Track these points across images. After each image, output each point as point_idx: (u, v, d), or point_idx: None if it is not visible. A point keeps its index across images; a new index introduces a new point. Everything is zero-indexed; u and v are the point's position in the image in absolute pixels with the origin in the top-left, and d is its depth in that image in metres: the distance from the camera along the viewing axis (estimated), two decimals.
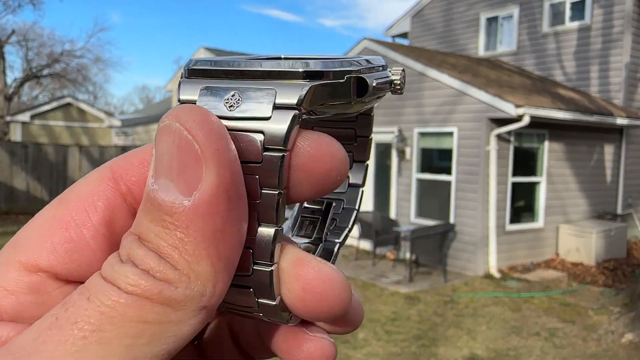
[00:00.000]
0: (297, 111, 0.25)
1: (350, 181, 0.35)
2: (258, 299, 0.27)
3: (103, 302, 0.23)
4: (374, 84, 0.28)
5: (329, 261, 0.32)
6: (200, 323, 0.24)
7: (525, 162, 9.26)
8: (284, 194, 0.25)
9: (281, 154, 0.25)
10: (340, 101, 0.27)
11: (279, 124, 0.24)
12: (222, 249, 0.24)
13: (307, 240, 0.33)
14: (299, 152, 0.26)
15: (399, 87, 0.31)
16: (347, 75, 0.27)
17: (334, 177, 0.28)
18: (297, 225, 0.35)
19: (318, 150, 0.26)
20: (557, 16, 12.09)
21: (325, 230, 0.34)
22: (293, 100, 0.25)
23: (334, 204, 0.37)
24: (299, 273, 0.27)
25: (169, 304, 0.23)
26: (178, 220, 0.23)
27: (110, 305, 0.23)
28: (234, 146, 0.24)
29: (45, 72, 23.07)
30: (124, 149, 15.54)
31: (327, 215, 0.34)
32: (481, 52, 13.37)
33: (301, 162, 0.26)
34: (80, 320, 0.22)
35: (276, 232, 0.26)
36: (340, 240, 0.34)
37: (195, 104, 0.26)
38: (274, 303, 0.27)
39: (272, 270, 0.27)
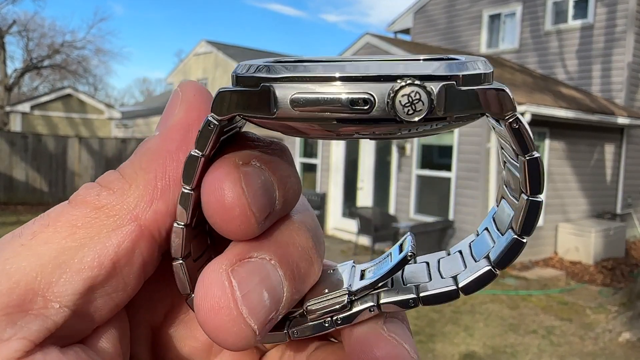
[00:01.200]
0: (208, 117, 0.24)
1: (513, 224, 0.26)
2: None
3: (49, 215, 0.25)
4: (291, 97, 0.21)
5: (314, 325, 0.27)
6: (131, 237, 0.25)
7: None
8: (189, 193, 0.25)
9: (190, 153, 0.24)
10: (261, 114, 0.22)
11: None
12: (169, 169, 0.26)
13: (348, 290, 0.27)
14: (203, 181, 0.25)
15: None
16: (263, 84, 0.22)
17: (215, 220, 0.24)
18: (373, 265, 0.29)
19: (205, 186, 0.25)
20: (560, 14, 12.05)
21: (370, 285, 0.27)
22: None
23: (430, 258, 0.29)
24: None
25: (102, 208, 0.25)
26: (144, 145, 0.27)
27: (52, 215, 0.25)
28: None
29: (45, 63, 23.02)
30: (124, 141, 15.53)
31: (397, 269, 0.27)
32: (483, 49, 13.33)
33: (201, 192, 0.25)
34: (26, 232, 0.24)
35: (176, 229, 0.26)
36: (363, 307, 0.26)
37: None
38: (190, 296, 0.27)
39: (175, 264, 0.26)
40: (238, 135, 0.27)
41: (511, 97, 0.23)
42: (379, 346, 0.26)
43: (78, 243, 0.24)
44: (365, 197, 10.93)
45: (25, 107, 19.11)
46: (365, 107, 0.21)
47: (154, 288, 0.29)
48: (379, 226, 9.22)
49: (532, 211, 0.25)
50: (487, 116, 0.23)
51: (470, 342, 5.77)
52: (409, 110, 0.21)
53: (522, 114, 7.98)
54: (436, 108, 0.21)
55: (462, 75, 0.22)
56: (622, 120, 9.80)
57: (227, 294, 0.23)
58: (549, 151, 9.37)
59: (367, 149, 10.92)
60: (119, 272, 0.25)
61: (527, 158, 0.23)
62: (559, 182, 9.65)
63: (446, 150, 9.30)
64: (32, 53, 23.08)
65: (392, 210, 10.14)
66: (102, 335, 0.26)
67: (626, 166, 10.92)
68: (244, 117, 0.23)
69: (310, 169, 12.36)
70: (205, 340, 0.30)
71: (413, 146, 9.74)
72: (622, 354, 5.60)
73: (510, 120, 0.23)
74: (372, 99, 0.21)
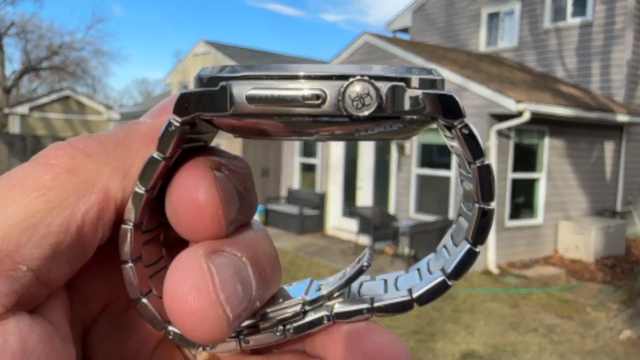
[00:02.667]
0: (170, 119, 0.24)
1: (467, 235, 0.26)
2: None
3: (15, 175, 0.24)
4: (247, 94, 0.22)
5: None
6: (99, 207, 0.24)
7: (526, 158, 9.24)
8: (141, 194, 0.25)
9: (152, 155, 0.25)
10: (219, 112, 0.23)
11: None
12: (147, 150, 0.25)
13: (302, 299, 0.27)
14: (173, 180, 0.25)
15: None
16: (222, 83, 0.23)
17: (184, 218, 0.24)
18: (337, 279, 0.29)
19: (179, 183, 0.25)
20: (559, 12, 12.04)
21: (326, 295, 0.27)
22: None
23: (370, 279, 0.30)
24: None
25: (74, 171, 0.24)
26: (133, 126, 0.27)
27: (18, 176, 0.23)
28: None
29: (44, 64, 22.98)
30: None
31: (353, 279, 0.28)
32: (482, 47, 13.32)
33: (170, 188, 0.25)
34: None
35: (124, 230, 0.26)
36: (316, 316, 0.27)
37: None
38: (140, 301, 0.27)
39: (125, 267, 0.26)
40: (204, 149, 0.27)
41: (459, 103, 0.23)
42: (377, 333, 0.26)
43: (47, 206, 0.23)
44: (364, 197, 10.92)
45: (24, 108, 19.09)
46: (317, 102, 0.22)
47: (94, 274, 0.28)
48: (378, 226, 9.21)
49: (484, 219, 0.25)
50: (438, 122, 0.24)
51: (471, 340, 5.76)
52: (357, 104, 0.22)
53: (522, 112, 7.98)
54: (385, 106, 0.22)
55: (411, 77, 0.23)
56: (621, 118, 9.79)
57: (206, 277, 0.23)
58: (548, 149, 9.36)
59: (367, 148, 10.91)
60: (81, 240, 0.24)
61: (478, 165, 0.24)
62: (559, 180, 9.65)
63: (446, 149, 9.29)
64: (31, 54, 23.05)
65: (392, 209, 10.13)
66: (52, 306, 0.24)
67: (626, 163, 10.91)
68: (204, 118, 0.24)
69: (309, 168, 12.35)
70: (135, 349, 0.30)
71: (412, 145, 9.73)
72: (623, 352, 5.59)
73: (460, 126, 0.23)
74: (323, 94, 0.22)
